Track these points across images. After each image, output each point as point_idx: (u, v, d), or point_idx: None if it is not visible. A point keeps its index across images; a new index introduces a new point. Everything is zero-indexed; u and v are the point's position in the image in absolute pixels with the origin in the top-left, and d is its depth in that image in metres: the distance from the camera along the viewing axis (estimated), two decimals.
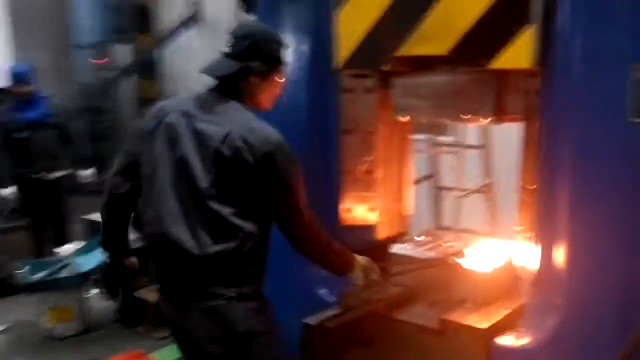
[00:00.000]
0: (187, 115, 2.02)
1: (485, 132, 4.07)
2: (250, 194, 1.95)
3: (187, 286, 2.03)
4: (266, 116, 2.81)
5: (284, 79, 2.15)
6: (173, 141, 2.02)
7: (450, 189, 4.19)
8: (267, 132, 1.95)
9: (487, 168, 4.21)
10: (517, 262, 2.46)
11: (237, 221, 1.95)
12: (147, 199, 2.11)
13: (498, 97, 2.29)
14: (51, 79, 9.50)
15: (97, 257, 4.13)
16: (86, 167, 5.06)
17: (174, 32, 7.68)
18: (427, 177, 4.31)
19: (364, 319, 2.47)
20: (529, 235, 2.28)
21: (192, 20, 7.51)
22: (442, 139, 4.34)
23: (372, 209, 2.78)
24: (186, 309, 2.05)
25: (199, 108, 2.03)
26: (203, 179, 1.95)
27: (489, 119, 2.34)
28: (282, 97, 2.68)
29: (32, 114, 4.68)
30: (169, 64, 8.25)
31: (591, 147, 1.94)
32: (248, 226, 1.96)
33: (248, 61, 2.02)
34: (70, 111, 7.14)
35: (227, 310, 2.00)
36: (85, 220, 5.20)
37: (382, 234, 2.88)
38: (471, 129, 4.56)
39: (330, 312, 2.51)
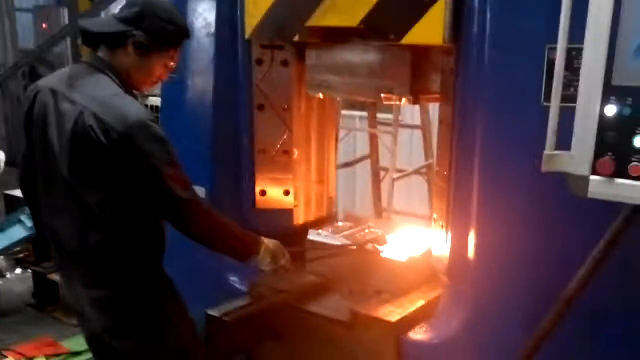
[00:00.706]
0: (53, 93, 1.83)
1: (423, 110, 3.94)
2: (114, 179, 1.76)
3: (76, 275, 1.93)
4: (171, 90, 2.63)
5: (170, 63, 1.92)
6: (42, 124, 1.84)
7: (387, 169, 4.05)
8: (125, 110, 1.73)
9: (427, 148, 4.09)
10: (435, 251, 2.34)
11: (105, 210, 1.79)
12: (27, 189, 2.03)
13: (414, 75, 2.12)
14: None
15: (10, 236, 3.86)
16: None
17: None
18: (363, 158, 4.16)
19: (271, 310, 2.32)
20: (442, 223, 2.15)
21: None
22: (380, 116, 4.18)
23: (288, 192, 2.61)
24: (80, 298, 1.95)
25: (65, 84, 1.83)
26: (64, 166, 1.79)
27: (406, 98, 2.18)
28: (188, 68, 2.48)
29: None
30: None
31: (502, 131, 1.81)
32: (117, 214, 1.81)
33: (131, 28, 1.81)
34: None
35: (111, 302, 1.90)
36: (7, 195, 4.89)
37: (300, 218, 2.72)
38: (410, 106, 4.43)
39: (238, 302, 2.35)
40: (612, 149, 1.37)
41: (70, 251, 1.90)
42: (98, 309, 1.92)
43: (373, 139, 4.12)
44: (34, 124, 1.88)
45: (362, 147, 4.71)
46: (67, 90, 1.80)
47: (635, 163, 1.34)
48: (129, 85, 1.88)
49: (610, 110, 1.37)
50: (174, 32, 1.87)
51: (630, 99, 1.34)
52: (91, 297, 1.90)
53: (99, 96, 1.75)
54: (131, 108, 1.74)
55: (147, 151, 1.72)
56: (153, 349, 1.96)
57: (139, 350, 1.96)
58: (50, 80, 1.91)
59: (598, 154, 1.38)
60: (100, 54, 1.86)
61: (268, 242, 2.07)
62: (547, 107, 1.48)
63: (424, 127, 3.93)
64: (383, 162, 4.16)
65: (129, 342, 1.96)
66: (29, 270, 4.19)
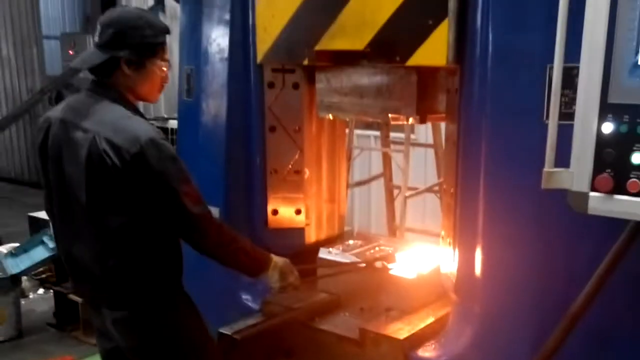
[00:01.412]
0: (64, 124, 1.90)
1: (436, 129, 3.96)
2: (132, 201, 1.82)
3: (99, 298, 1.99)
4: (186, 112, 2.72)
5: (164, 66, 1.95)
6: (56, 155, 1.92)
7: (399, 188, 4.07)
8: (134, 130, 1.78)
9: (439, 166, 4.10)
10: (443, 268, 2.35)
11: (126, 234, 1.85)
12: (51, 217, 2.08)
13: (420, 95, 2.17)
14: (18, 70, 9.33)
15: (33, 257, 3.97)
16: None
17: None
18: (377, 177, 4.19)
19: (283, 328, 2.34)
20: (449, 240, 2.17)
21: (156, 7, 7.32)
22: (394, 135, 4.22)
23: (300, 211, 2.66)
24: (104, 318, 1.99)
25: (74, 113, 1.90)
26: (82, 193, 1.85)
27: (413, 119, 2.22)
28: (203, 92, 2.57)
29: None
30: None
31: (506, 149, 1.84)
32: (138, 238, 1.87)
33: (115, 50, 1.85)
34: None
35: (134, 323, 1.94)
36: (31, 217, 5.02)
37: (312, 237, 2.76)
38: (424, 125, 4.46)
39: (250, 320, 2.38)
40: (610, 166, 1.39)
41: (92, 276, 1.94)
42: (122, 329, 1.96)
43: (386, 157, 4.16)
44: (48, 157, 1.94)
45: (377, 166, 4.75)
46: (77, 120, 1.86)
47: (633, 179, 1.36)
48: (137, 101, 1.93)
49: (608, 127, 1.39)
50: (153, 35, 1.89)
51: (626, 116, 1.37)
52: (114, 317, 1.95)
53: (108, 121, 1.81)
54: (141, 128, 1.80)
55: (160, 170, 1.78)
56: None
57: None
58: (59, 111, 1.96)
59: (596, 171, 1.41)
60: (102, 80, 1.91)
61: (277, 259, 2.11)
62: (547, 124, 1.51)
63: (436, 146, 3.96)
64: (397, 181, 4.19)
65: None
66: (51, 291, 4.28)
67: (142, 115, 1.92)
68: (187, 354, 2.01)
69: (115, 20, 1.87)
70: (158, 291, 1.96)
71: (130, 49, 1.85)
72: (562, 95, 1.51)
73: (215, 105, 2.53)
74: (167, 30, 1.95)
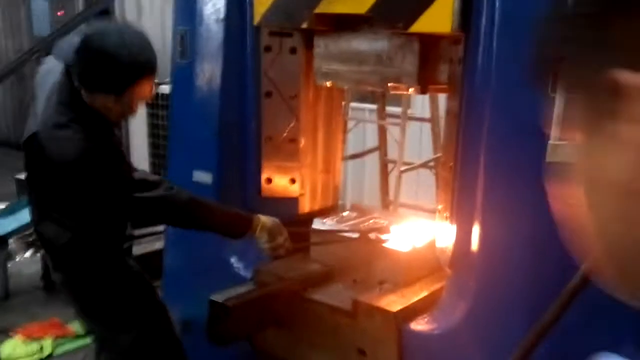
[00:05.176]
0: (35, 93, 1.88)
1: (433, 102, 3.90)
2: (60, 196, 1.84)
3: (50, 257, 2.08)
4: (181, 75, 2.63)
5: (130, 100, 1.80)
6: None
7: (395, 162, 4.02)
8: (65, 147, 1.69)
9: (435, 141, 4.05)
10: (439, 243, 2.33)
11: (56, 212, 1.89)
12: None
13: (422, 64, 2.10)
14: (4, 30, 9.09)
15: (19, 219, 3.91)
16: None
17: None
18: (372, 150, 4.13)
19: (274, 297, 2.33)
20: (446, 214, 2.14)
21: None
22: (390, 109, 4.15)
23: (294, 180, 2.61)
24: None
25: (42, 88, 1.86)
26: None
27: (413, 88, 2.16)
28: (197, 54, 2.49)
29: None
30: (123, 14, 7.85)
31: (509, 122, 1.79)
32: (73, 222, 1.90)
33: (76, 67, 1.73)
34: None
35: (69, 286, 2.02)
36: (18, 179, 4.95)
37: (305, 207, 2.72)
38: (420, 99, 4.41)
39: (241, 289, 2.36)
40: None
41: (41, 239, 2.02)
42: (64, 289, 2.05)
43: (382, 131, 4.10)
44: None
45: (372, 139, 4.69)
46: (41, 98, 1.81)
47: None
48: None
49: None
50: (114, 77, 1.70)
51: None
52: (56, 279, 2.03)
53: (49, 124, 1.73)
54: (69, 145, 1.69)
55: (89, 188, 1.75)
56: (117, 331, 2.04)
57: (105, 331, 2.08)
58: (41, 75, 1.92)
59: None
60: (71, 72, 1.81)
61: (266, 220, 2.08)
62: (555, 98, 1.46)
63: (433, 121, 3.90)
64: (392, 155, 4.14)
65: (94, 325, 2.10)
66: (39, 254, 4.24)
67: (93, 120, 1.78)
68: (125, 321, 2.04)
69: (88, 38, 1.69)
70: (93, 260, 1.97)
71: (79, 72, 1.72)
72: None
73: (210, 68, 2.45)
74: (139, 75, 1.72)
